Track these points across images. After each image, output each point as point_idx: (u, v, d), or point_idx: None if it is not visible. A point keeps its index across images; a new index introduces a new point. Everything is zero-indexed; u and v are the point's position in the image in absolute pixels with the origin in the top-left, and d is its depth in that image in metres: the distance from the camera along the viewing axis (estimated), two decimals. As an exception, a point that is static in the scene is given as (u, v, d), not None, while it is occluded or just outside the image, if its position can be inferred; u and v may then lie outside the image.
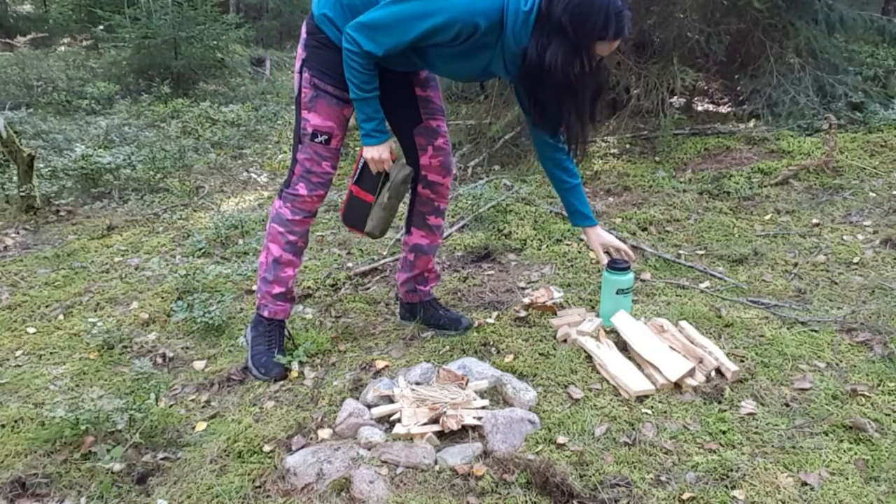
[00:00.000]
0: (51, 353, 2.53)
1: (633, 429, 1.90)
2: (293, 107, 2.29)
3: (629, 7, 1.92)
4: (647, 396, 2.04)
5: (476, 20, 1.90)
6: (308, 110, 2.17)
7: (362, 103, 2.09)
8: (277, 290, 2.32)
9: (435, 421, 1.90)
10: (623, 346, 2.28)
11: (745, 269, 2.95)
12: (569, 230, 3.40)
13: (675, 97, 5.08)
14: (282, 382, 2.26)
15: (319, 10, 2.12)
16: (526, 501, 1.65)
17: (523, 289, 2.86)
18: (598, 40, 1.90)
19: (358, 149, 2.29)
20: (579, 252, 3.20)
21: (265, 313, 2.34)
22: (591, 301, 2.70)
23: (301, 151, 2.22)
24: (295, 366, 2.32)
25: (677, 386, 2.08)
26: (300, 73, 2.18)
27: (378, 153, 2.14)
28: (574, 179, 2.36)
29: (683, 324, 2.37)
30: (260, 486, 1.77)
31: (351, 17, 2.03)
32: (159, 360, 2.46)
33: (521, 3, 1.91)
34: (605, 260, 2.42)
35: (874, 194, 3.58)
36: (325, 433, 1.95)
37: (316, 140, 2.18)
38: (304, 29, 2.18)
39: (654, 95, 4.26)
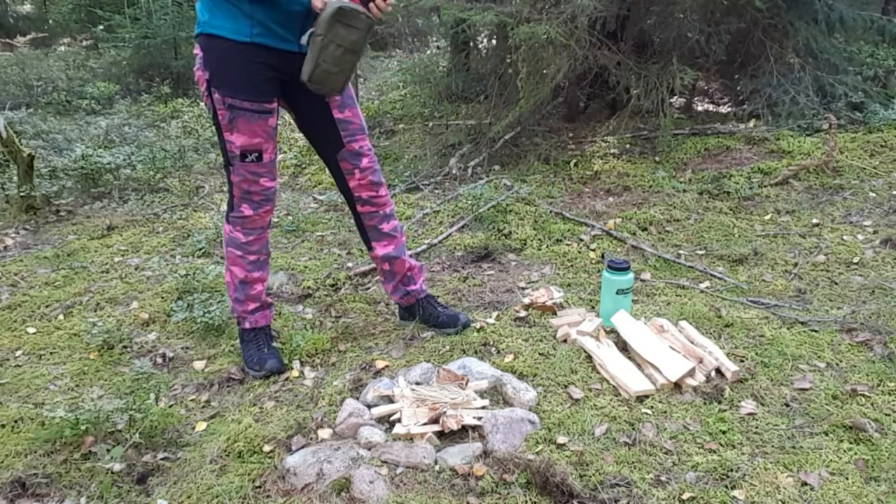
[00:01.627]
0: (51, 353, 2.53)
1: (633, 429, 1.90)
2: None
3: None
4: (647, 396, 2.04)
5: None
6: (230, 132, 2.11)
7: None
8: (252, 306, 2.36)
9: (435, 421, 1.90)
10: (623, 346, 2.28)
11: (745, 269, 2.95)
12: (569, 230, 3.40)
13: (675, 97, 5.08)
14: (282, 382, 2.26)
15: (203, 19, 2.08)
16: (526, 501, 1.65)
17: (523, 289, 2.86)
18: None
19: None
20: (579, 252, 3.21)
21: (246, 325, 2.38)
22: (591, 301, 2.70)
23: (234, 174, 2.17)
24: (296, 365, 2.33)
25: (677, 386, 2.08)
26: (209, 95, 2.10)
27: None
28: None
29: (683, 324, 2.37)
30: (260, 486, 1.77)
31: None
32: (159, 360, 2.46)
33: None
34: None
35: (874, 194, 3.58)
36: (325, 433, 1.95)
37: (247, 160, 2.14)
38: (197, 50, 2.12)
39: (654, 95, 4.25)
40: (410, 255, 2.56)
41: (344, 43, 1.93)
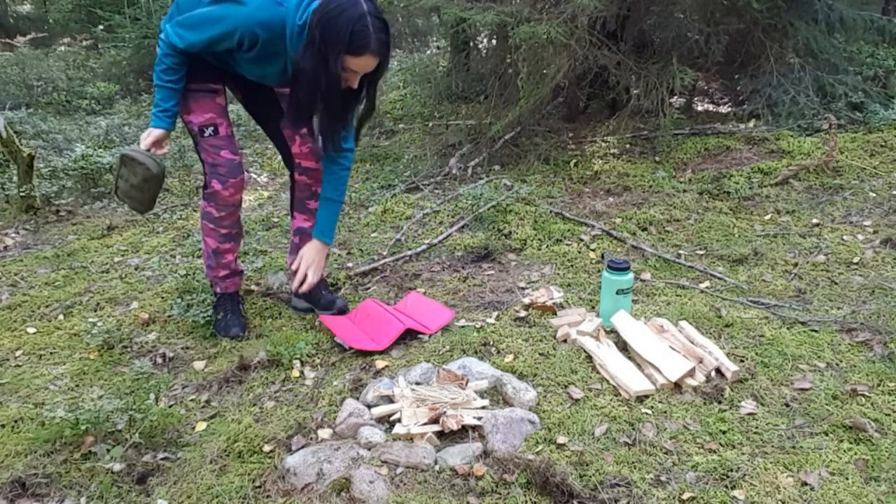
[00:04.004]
0: (51, 353, 2.53)
1: (633, 429, 1.90)
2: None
3: (383, 28, 2.10)
4: (647, 396, 2.04)
5: (255, 30, 2.15)
6: (186, 113, 2.37)
7: (160, 90, 2.29)
8: (222, 273, 2.62)
9: (435, 421, 1.90)
10: (623, 346, 2.28)
11: (745, 269, 2.95)
12: (569, 230, 3.40)
13: (675, 97, 5.08)
14: (282, 382, 2.26)
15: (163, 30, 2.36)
16: (526, 501, 1.65)
17: (523, 289, 2.86)
18: (346, 54, 2.09)
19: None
20: (579, 252, 3.21)
21: (218, 289, 2.65)
22: (591, 301, 2.70)
23: (200, 151, 2.41)
24: (296, 365, 2.33)
25: (677, 386, 2.08)
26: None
27: (153, 133, 2.31)
28: (338, 197, 2.55)
29: (683, 324, 2.37)
30: (260, 486, 1.77)
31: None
32: (159, 360, 2.46)
33: (296, 17, 2.15)
34: (299, 265, 2.55)
35: (874, 194, 3.58)
36: (325, 433, 1.95)
37: (205, 134, 2.37)
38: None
39: (654, 95, 4.25)
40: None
41: (127, 179, 2.33)
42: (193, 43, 2.22)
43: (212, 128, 2.36)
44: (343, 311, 2.63)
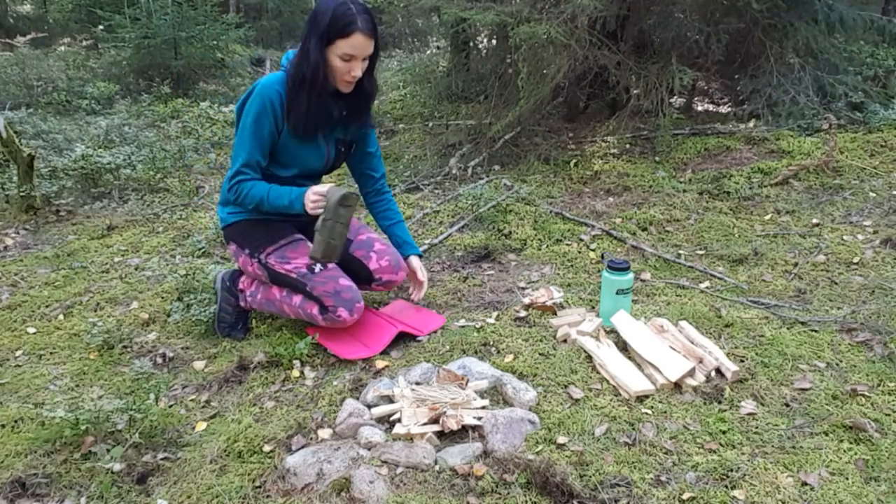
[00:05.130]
0: (51, 353, 2.53)
1: (633, 429, 1.90)
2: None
3: (366, 10, 2.18)
4: (647, 396, 2.04)
5: (276, 89, 2.26)
6: (289, 263, 2.39)
7: (269, 199, 2.30)
8: (258, 300, 2.57)
9: (435, 421, 1.90)
10: (623, 346, 2.28)
11: (745, 269, 2.95)
12: (569, 230, 3.40)
13: (675, 97, 5.08)
14: (282, 382, 2.26)
15: (222, 215, 2.50)
16: (526, 501, 1.65)
17: (523, 289, 2.86)
18: (338, 39, 2.16)
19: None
20: (579, 252, 3.21)
21: (243, 304, 2.61)
22: (591, 301, 2.70)
23: (314, 288, 2.36)
24: (296, 365, 2.33)
25: (677, 386, 2.08)
26: (260, 263, 2.43)
27: (309, 201, 2.26)
28: (398, 217, 2.70)
29: (683, 324, 2.37)
30: (260, 486, 1.77)
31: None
32: (159, 360, 2.46)
33: (291, 54, 2.31)
34: (421, 278, 2.65)
35: (874, 194, 3.58)
36: (325, 433, 1.95)
37: (316, 270, 2.37)
38: (231, 246, 2.53)
39: (654, 95, 4.25)
40: None
41: (344, 220, 2.25)
42: (251, 150, 2.29)
43: (319, 263, 2.36)
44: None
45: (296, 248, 2.41)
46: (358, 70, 2.24)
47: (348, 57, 2.20)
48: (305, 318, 2.44)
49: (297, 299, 2.42)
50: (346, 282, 2.38)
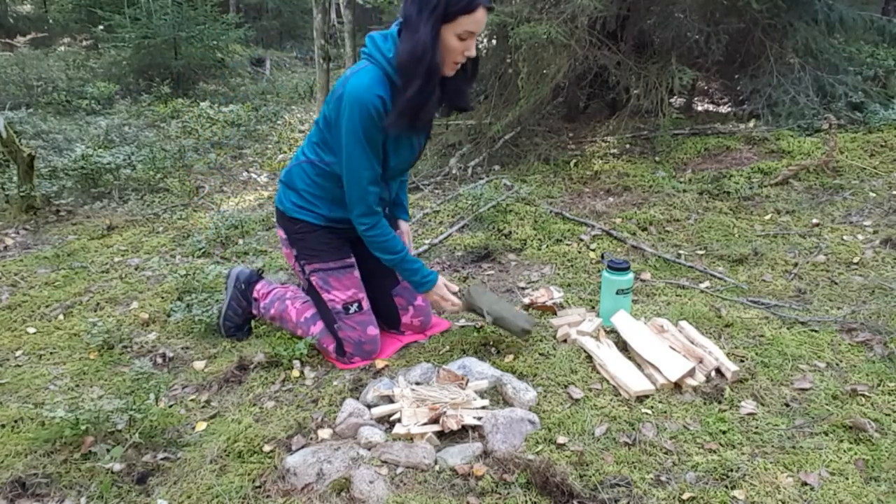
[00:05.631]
0: (51, 353, 2.53)
1: (633, 429, 1.90)
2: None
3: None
4: (647, 396, 2.04)
5: (375, 93, 2.00)
6: (328, 292, 2.31)
7: (400, 262, 2.23)
8: (270, 314, 2.54)
9: (435, 421, 1.90)
10: (623, 346, 2.28)
11: (745, 269, 2.95)
12: (569, 230, 3.40)
13: (675, 97, 5.08)
14: (282, 382, 2.26)
15: (286, 202, 2.31)
16: (526, 501, 1.65)
17: (523, 289, 2.86)
18: (462, 15, 1.93)
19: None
20: (579, 252, 3.21)
21: (255, 312, 2.57)
22: (591, 301, 2.70)
23: (341, 329, 2.30)
24: (296, 365, 2.33)
25: (677, 386, 2.08)
26: (301, 268, 2.34)
27: (437, 296, 2.27)
28: (405, 176, 2.52)
29: (683, 324, 2.37)
30: (260, 486, 1.77)
31: (323, 156, 2.21)
32: (159, 360, 2.46)
33: (380, 39, 2.05)
34: (408, 242, 2.53)
35: (874, 194, 3.58)
36: (325, 433, 1.95)
37: (350, 311, 2.30)
38: (280, 231, 2.37)
39: (654, 95, 4.26)
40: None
41: (500, 300, 2.35)
42: (373, 172, 2.12)
43: (356, 304, 2.30)
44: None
45: (341, 277, 2.30)
46: (473, 49, 2.02)
47: (468, 35, 1.97)
48: (316, 346, 2.40)
49: (316, 329, 2.37)
50: (373, 331, 2.32)
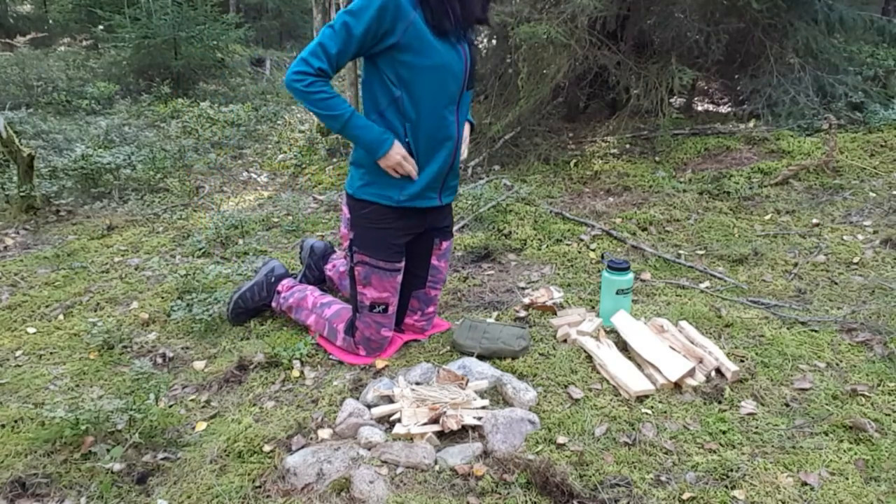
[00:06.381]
0: (51, 353, 2.53)
1: (633, 429, 1.90)
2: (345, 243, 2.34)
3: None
4: (647, 396, 2.04)
5: None
6: (364, 286, 2.29)
7: (347, 125, 2.04)
8: (284, 306, 2.60)
9: (435, 421, 1.90)
10: (623, 346, 2.28)
11: (745, 269, 2.95)
12: (569, 230, 3.40)
13: (675, 97, 5.08)
14: (282, 382, 2.26)
15: (354, 182, 2.22)
16: (526, 501, 1.65)
17: (523, 289, 2.86)
18: None
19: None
20: (579, 252, 3.21)
21: (273, 304, 2.64)
22: (591, 301, 2.70)
23: (359, 320, 2.32)
24: (296, 365, 2.33)
25: (677, 386, 2.08)
26: (351, 252, 2.29)
27: (394, 157, 2.09)
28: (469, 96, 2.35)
29: (683, 324, 2.37)
30: (260, 486, 1.77)
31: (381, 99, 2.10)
32: (159, 360, 2.46)
33: None
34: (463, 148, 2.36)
35: (874, 194, 3.58)
36: (325, 433, 1.95)
37: (375, 311, 2.30)
38: (344, 209, 2.30)
39: (654, 95, 4.26)
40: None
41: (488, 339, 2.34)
42: (343, 51, 1.97)
43: (383, 307, 2.30)
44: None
45: (384, 279, 2.26)
46: None
47: None
48: (325, 331, 2.42)
49: (330, 312, 2.41)
50: (387, 333, 2.34)
